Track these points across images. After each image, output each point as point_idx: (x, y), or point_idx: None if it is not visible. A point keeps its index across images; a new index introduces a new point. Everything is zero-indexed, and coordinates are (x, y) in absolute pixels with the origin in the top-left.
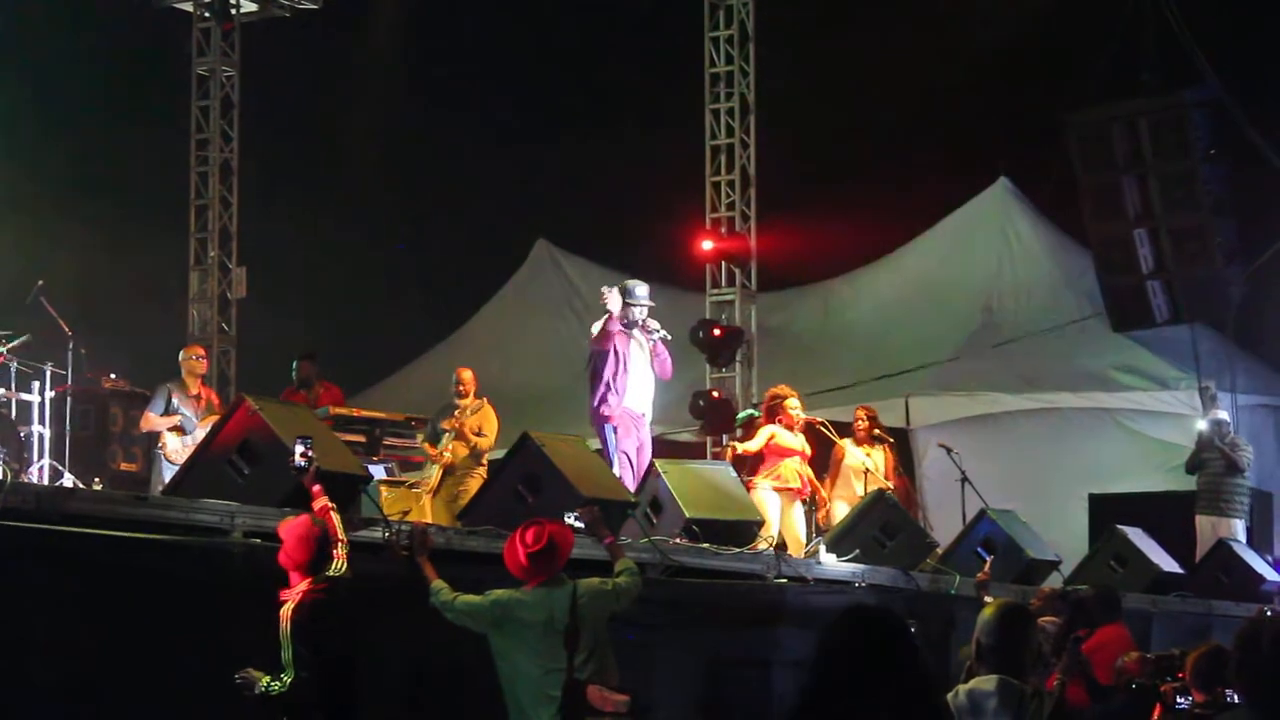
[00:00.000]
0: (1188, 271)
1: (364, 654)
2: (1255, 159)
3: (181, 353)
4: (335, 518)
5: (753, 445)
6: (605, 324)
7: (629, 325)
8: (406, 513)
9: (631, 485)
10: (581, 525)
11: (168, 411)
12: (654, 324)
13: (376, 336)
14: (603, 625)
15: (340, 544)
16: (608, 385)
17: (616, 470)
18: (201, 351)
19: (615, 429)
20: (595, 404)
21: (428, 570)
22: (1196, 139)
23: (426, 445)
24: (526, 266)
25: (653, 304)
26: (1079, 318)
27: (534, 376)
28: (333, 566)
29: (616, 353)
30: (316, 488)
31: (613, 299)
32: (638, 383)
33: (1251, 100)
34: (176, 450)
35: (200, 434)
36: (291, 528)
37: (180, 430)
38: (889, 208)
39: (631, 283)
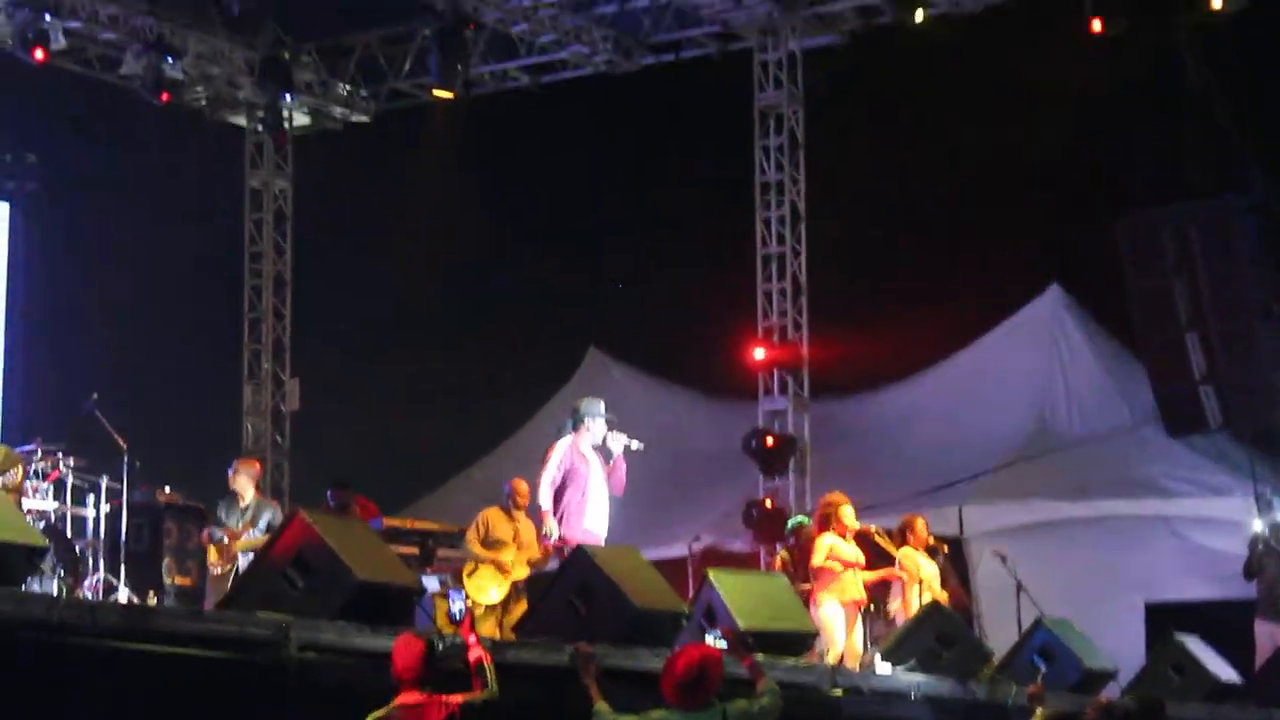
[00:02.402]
0: (1237, 376)
1: None
2: None
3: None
4: (489, 667)
5: (818, 560)
6: (567, 449)
7: (591, 446)
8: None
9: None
10: (724, 645)
11: (220, 524)
12: (622, 436)
13: (429, 447)
14: None
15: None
16: (567, 510)
17: None
18: (244, 464)
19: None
20: (549, 508)
21: (594, 691)
22: (1244, 242)
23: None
24: (578, 375)
25: (613, 418)
26: (1132, 424)
27: None
28: (486, 691)
29: (577, 478)
30: (473, 638)
31: (596, 427)
32: (596, 506)
33: None
34: (212, 562)
35: (225, 539)
36: (406, 642)
37: (212, 540)
38: (941, 314)
39: (593, 400)
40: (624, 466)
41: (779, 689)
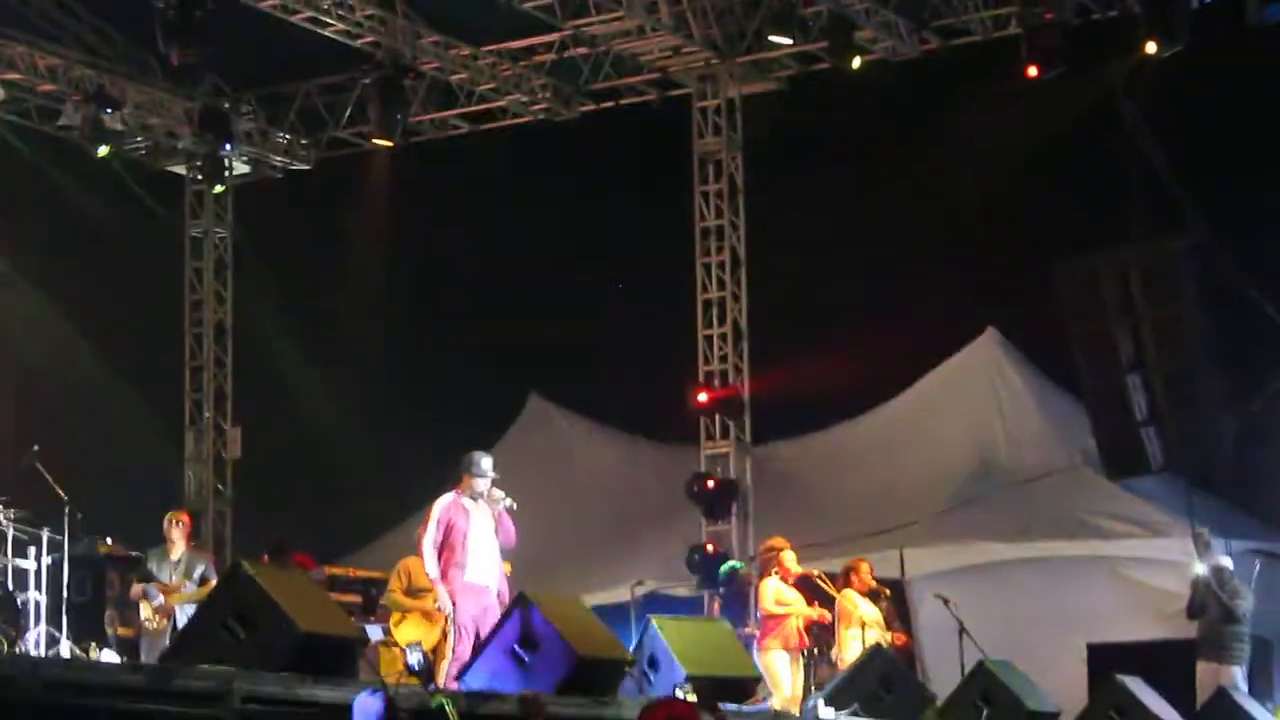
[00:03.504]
0: (1179, 418)
1: None
2: (1245, 304)
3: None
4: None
5: (766, 605)
6: (446, 506)
7: (474, 498)
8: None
9: (464, 657)
10: (694, 699)
11: (143, 580)
12: (499, 493)
13: (373, 494)
14: None
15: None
16: (449, 566)
17: (465, 643)
18: (179, 516)
19: (454, 604)
20: (438, 578)
21: None
22: (1186, 285)
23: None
24: (520, 421)
25: (497, 475)
26: (1071, 465)
27: (529, 533)
28: None
29: (457, 529)
30: (431, 687)
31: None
32: (480, 558)
33: (1238, 245)
34: (147, 618)
35: (163, 599)
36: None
37: (145, 598)
38: (881, 358)
39: (477, 454)
40: (509, 521)
41: None
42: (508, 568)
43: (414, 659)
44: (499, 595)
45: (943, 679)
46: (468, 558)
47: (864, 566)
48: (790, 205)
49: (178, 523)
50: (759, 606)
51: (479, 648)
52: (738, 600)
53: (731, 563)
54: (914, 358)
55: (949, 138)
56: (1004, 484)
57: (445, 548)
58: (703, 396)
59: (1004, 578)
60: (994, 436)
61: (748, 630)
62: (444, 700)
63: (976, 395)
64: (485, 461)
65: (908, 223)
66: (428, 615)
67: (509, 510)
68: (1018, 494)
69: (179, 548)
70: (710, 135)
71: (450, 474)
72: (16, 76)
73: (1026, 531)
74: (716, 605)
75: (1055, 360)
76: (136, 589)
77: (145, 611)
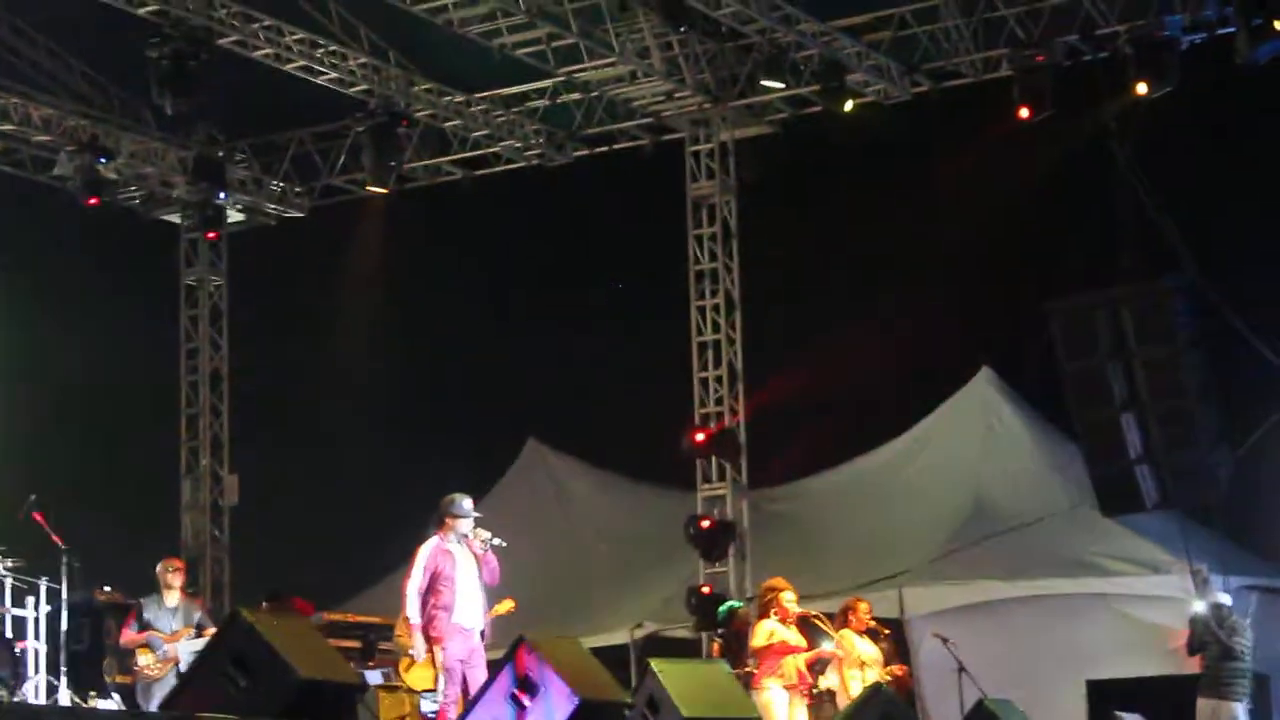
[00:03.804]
0: (1174, 456)
1: None
2: (1237, 342)
3: (159, 565)
4: None
5: (759, 643)
6: (431, 551)
7: (458, 540)
8: (405, 718)
9: (455, 697)
10: None
11: (142, 628)
12: (484, 533)
13: (372, 539)
14: None
15: None
16: (435, 610)
17: (454, 686)
18: (177, 564)
19: (444, 648)
20: (423, 623)
21: None
22: (1178, 324)
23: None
24: (516, 466)
25: (479, 515)
26: (1067, 505)
27: (529, 576)
28: None
29: (442, 572)
30: None
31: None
32: (465, 600)
33: (1229, 284)
34: (148, 665)
35: (168, 649)
36: None
37: (148, 648)
38: (877, 398)
39: (457, 496)
40: (494, 559)
41: None
42: (511, 604)
43: (428, 708)
44: (483, 635)
45: (943, 718)
46: (455, 600)
47: (861, 606)
48: (785, 247)
49: (174, 570)
50: (750, 645)
51: (480, 692)
52: (736, 640)
53: (730, 603)
54: (912, 398)
55: (942, 178)
56: (1001, 523)
57: (431, 592)
58: (699, 437)
59: (1003, 616)
60: (990, 476)
61: (747, 670)
62: None
63: (972, 436)
64: (466, 503)
65: (902, 263)
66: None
67: (495, 550)
68: (1015, 533)
69: (175, 595)
70: (704, 179)
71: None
72: (10, 128)
73: (1024, 570)
74: (716, 646)
75: (1050, 399)
76: (135, 636)
77: (146, 659)
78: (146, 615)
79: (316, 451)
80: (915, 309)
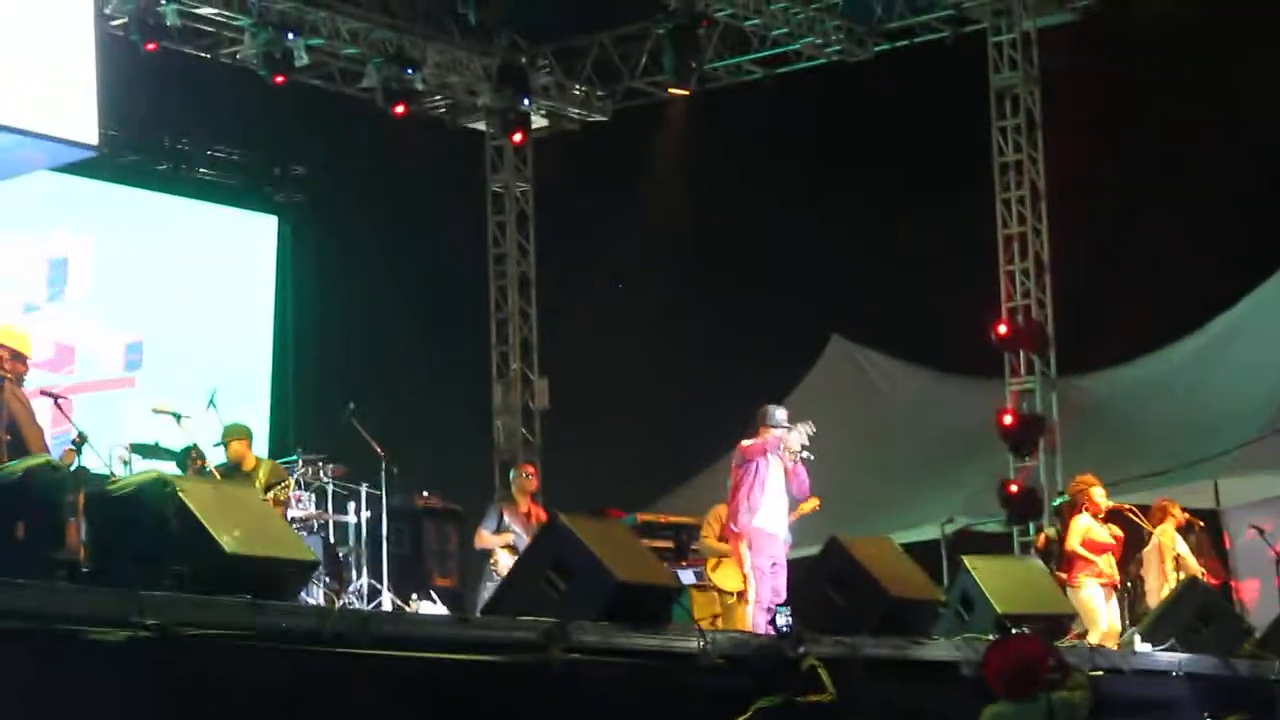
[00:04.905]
0: None
1: None
2: None
3: (512, 471)
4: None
5: (1074, 542)
6: (754, 444)
7: (772, 448)
8: (717, 617)
9: (766, 599)
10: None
11: (500, 529)
12: (795, 444)
13: (680, 439)
14: None
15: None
16: (742, 502)
17: (753, 587)
18: (531, 470)
19: (749, 545)
20: (729, 519)
21: None
22: None
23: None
24: (822, 362)
25: (790, 426)
26: None
27: (837, 475)
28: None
29: (756, 472)
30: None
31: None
32: (772, 503)
33: None
34: (509, 567)
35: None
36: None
37: (512, 549)
38: (1185, 286)
39: (771, 407)
40: (804, 472)
41: (1089, 681)
42: (816, 502)
43: (782, 620)
44: (785, 545)
45: (1261, 611)
46: (761, 503)
47: (1175, 508)
48: (1091, 138)
49: (528, 475)
50: (1065, 544)
51: (792, 591)
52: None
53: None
54: (1224, 282)
55: (1250, 65)
56: None
57: (743, 488)
58: (1003, 329)
59: None
60: None
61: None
62: (815, 663)
63: None
64: (780, 414)
65: (1198, 160)
66: (742, 560)
67: (805, 461)
68: None
69: (525, 500)
70: (1006, 70)
71: (752, 419)
72: (320, 41)
73: None
74: (1041, 538)
75: None
76: (495, 538)
77: (510, 560)
78: (506, 518)
79: (623, 354)
80: (1219, 195)
